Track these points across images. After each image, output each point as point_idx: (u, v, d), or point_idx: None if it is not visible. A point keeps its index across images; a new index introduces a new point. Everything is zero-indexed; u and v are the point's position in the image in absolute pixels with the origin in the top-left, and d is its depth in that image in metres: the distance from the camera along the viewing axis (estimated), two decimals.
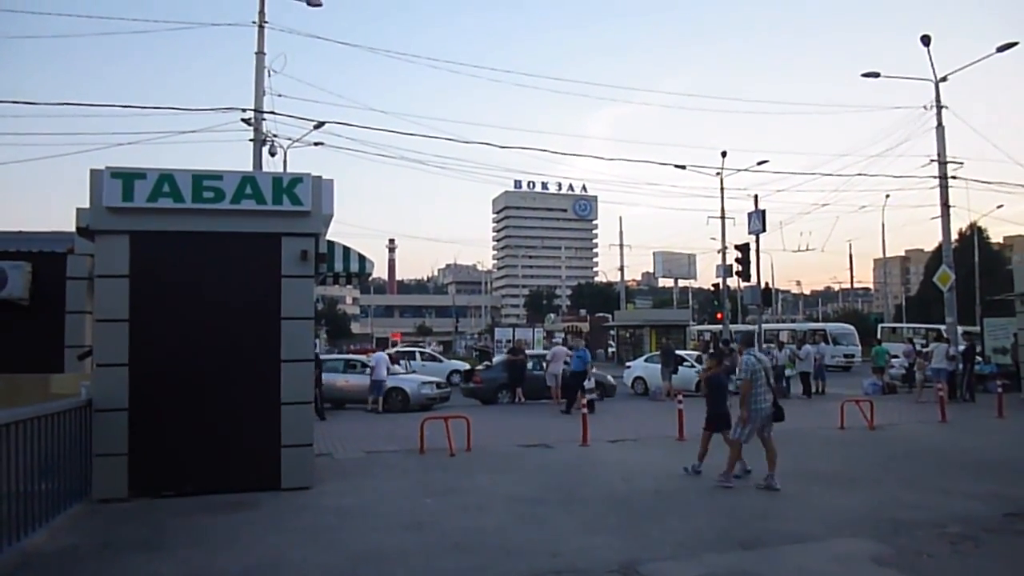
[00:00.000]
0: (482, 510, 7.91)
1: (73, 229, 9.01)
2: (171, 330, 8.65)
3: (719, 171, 33.02)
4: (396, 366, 22.13)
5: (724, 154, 32.65)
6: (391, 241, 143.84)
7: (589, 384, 17.95)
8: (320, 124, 22.16)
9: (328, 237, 10.22)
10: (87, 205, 8.56)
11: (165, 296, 8.67)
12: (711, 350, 22.35)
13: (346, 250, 10.63)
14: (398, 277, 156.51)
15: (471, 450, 11.81)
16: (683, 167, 31.36)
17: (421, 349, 36.48)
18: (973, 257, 43.88)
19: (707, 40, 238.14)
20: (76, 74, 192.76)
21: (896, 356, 26.22)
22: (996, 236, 64.37)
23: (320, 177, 9.09)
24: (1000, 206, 68.07)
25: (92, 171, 8.47)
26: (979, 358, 23.81)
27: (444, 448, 11.58)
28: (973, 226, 51.90)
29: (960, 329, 23.71)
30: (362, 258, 10.74)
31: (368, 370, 19.64)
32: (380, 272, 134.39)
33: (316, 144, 23.17)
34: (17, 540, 6.15)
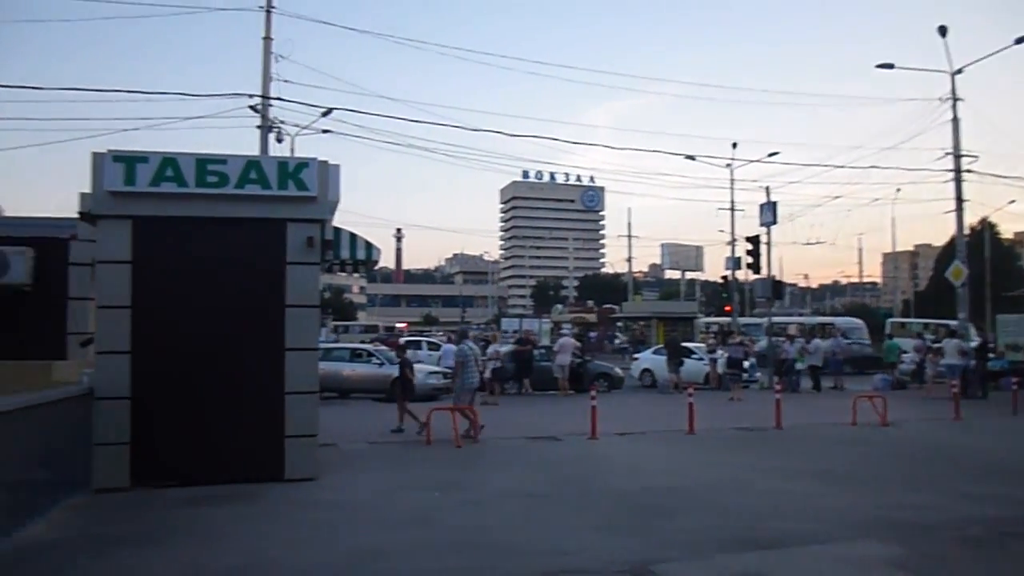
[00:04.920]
0: (489, 505, 7.74)
1: (76, 215, 8.85)
2: (174, 317, 8.48)
3: (729, 162, 32.73)
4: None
5: (735, 145, 32.40)
6: (398, 230, 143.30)
7: None
8: (328, 111, 21.96)
9: (335, 224, 10.04)
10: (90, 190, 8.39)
11: (168, 283, 8.50)
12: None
13: (353, 237, 10.45)
14: (405, 266, 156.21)
15: (478, 442, 11.66)
16: (693, 158, 31.11)
17: (427, 338, 36.34)
18: (984, 253, 43.44)
19: (719, 30, 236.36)
20: (81, 59, 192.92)
21: (906, 352, 25.95)
22: (1007, 232, 63.53)
23: (327, 162, 8.89)
24: (1012, 201, 66.88)
25: (94, 154, 8.28)
26: (991, 354, 23.56)
27: (450, 440, 11.42)
28: (984, 221, 51.40)
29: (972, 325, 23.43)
30: (369, 245, 10.55)
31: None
32: (387, 261, 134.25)
33: (324, 131, 22.98)
34: (15, 531, 6.02)
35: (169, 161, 8.35)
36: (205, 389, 8.46)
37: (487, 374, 19.95)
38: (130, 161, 8.26)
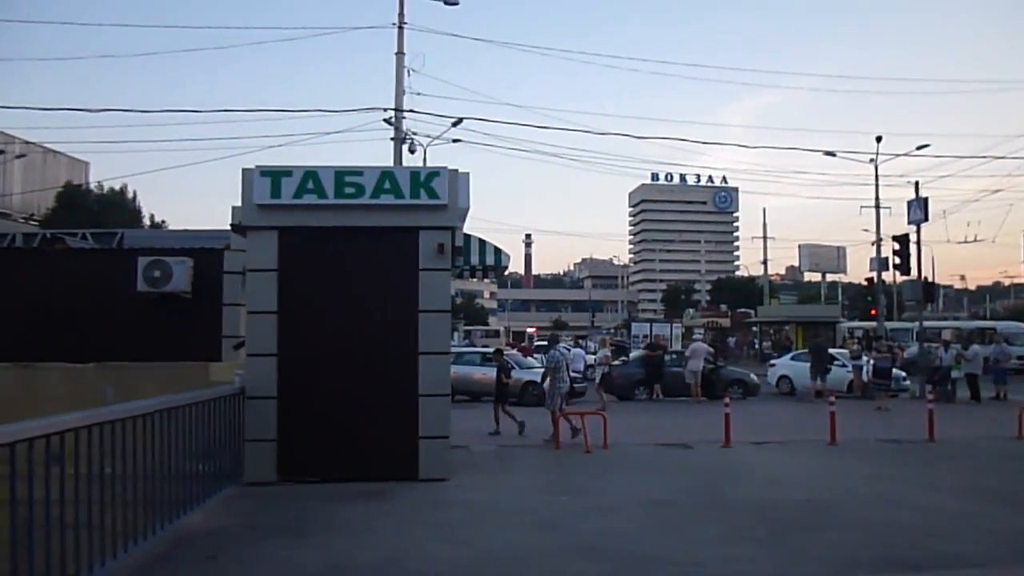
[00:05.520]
0: (618, 512, 7.66)
1: (229, 226, 9.51)
2: (316, 322, 8.94)
3: (873, 157, 30.96)
4: (531, 358, 22.18)
5: (879, 139, 30.60)
6: (527, 236, 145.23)
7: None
8: (458, 121, 22.55)
9: (467, 231, 10.27)
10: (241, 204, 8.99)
11: (310, 289, 8.97)
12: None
13: (482, 243, 10.65)
14: (534, 272, 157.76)
15: (607, 447, 11.56)
16: (833, 154, 29.81)
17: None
18: None
19: (858, 18, 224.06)
20: (233, 82, 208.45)
21: None
22: None
23: (456, 171, 9.12)
24: None
25: (243, 170, 8.88)
26: None
27: (580, 444, 11.38)
28: None
29: None
30: (498, 251, 10.72)
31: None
32: (517, 267, 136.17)
33: (454, 141, 23.61)
34: (177, 518, 6.51)
35: (311, 174, 8.83)
36: (344, 390, 8.85)
37: (596, 379, 19.64)
38: (275, 175, 8.80)
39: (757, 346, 45.34)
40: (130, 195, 42.51)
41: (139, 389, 8.17)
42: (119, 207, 39.62)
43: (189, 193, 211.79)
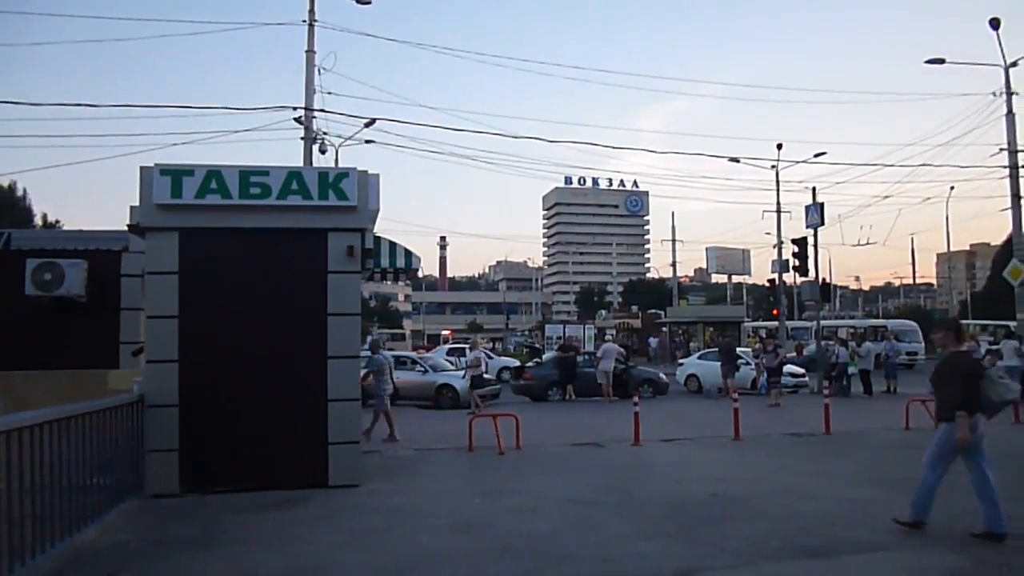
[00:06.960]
0: (533, 512, 7.70)
1: (127, 227, 9.08)
2: (220, 327, 8.63)
3: (775, 164, 32.25)
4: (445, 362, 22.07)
5: (780, 146, 31.87)
6: (442, 238, 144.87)
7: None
8: (371, 122, 22.28)
9: (379, 234, 10.14)
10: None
11: (214, 293, 8.65)
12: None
13: (392, 245, 10.54)
14: (450, 274, 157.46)
15: (521, 448, 11.61)
16: (737, 160, 30.86)
17: (470, 346, 36.44)
18: None
19: (765, 31, 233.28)
20: (134, 77, 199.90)
21: None
22: None
23: (366, 172, 8.97)
24: None
25: (142, 168, 8.49)
26: None
27: (494, 447, 11.40)
28: None
29: None
30: (408, 253, 10.63)
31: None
32: (432, 269, 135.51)
33: (367, 142, 23.32)
34: (70, 535, 6.16)
35: (214, 173, 8.52)
36: (250, 397, 8.58)
37: (467, 381, 19.04)
38: (176, 174, 8.45)
39: (675, 345, 45.80)
40: (19, 192, 40.17)
41: (30, 399, 7.72)
42: (7, 205, 37.37)
43: (87, 192, 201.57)
